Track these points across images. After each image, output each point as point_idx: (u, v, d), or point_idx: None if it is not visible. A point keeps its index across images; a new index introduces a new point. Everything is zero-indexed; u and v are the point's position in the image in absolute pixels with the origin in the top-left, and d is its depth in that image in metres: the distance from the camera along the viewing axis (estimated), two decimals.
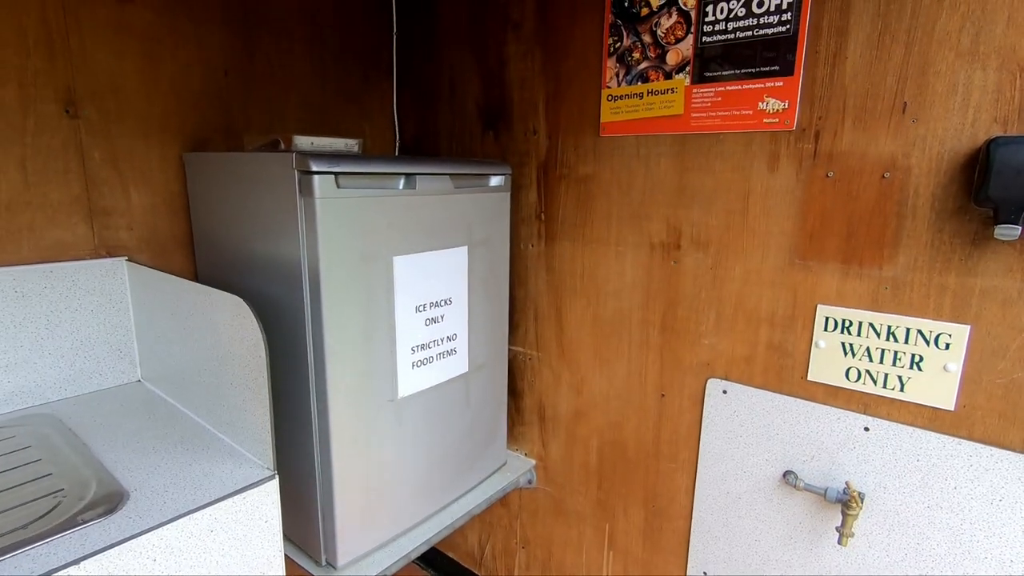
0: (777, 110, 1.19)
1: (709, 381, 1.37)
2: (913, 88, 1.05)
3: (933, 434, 1.10)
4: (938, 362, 1.08)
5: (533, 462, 1.77)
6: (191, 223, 1.45)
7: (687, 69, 1.30)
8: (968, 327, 1.04)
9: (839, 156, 1.14)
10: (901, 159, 1.07)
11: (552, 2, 1.50)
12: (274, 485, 1.00)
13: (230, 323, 1.05)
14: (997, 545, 1.05)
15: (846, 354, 1.17)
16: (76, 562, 0.78)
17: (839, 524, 1.16)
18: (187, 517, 0.89)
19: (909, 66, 1.05)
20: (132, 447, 1.09)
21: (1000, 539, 1.05)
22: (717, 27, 1.24)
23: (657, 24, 1.33)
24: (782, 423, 1.27)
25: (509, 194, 1.52)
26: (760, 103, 1.21)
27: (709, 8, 1.25)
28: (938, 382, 1.08)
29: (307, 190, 1.07)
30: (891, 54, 1.06)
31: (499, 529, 1.93)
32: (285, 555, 1.26)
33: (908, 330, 1.10)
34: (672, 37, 1.31)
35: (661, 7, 1.32)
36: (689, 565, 1.48)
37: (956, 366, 1.06)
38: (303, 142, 1.26)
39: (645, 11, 1.34)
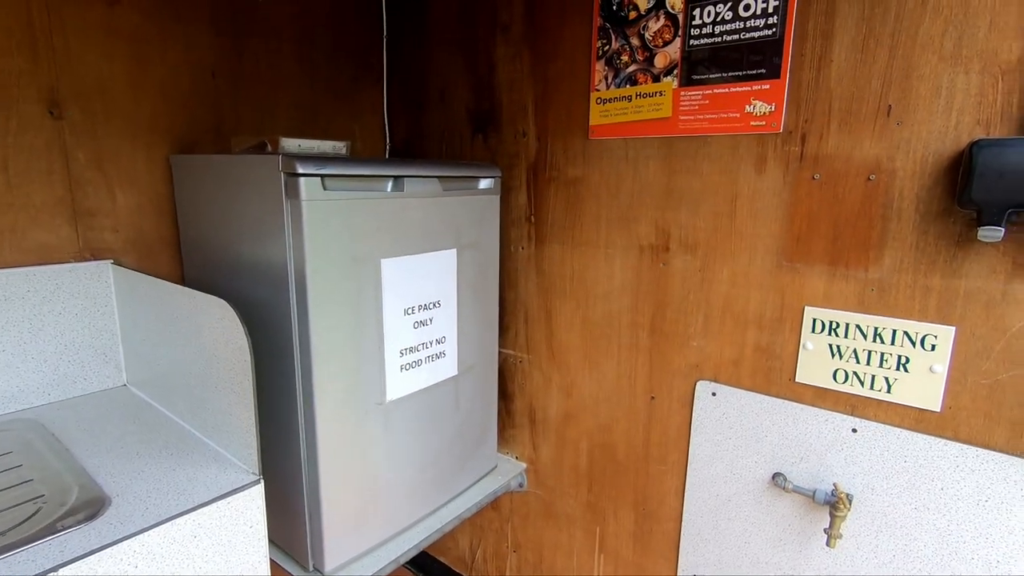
0: (764, 113, 1.20)
1: (698, 383, 1.37)
2: (897, 91, 1.06)
3: (920, 435, 1.10)
4: (924, 363, 1.08)
5: (524, 465, 1.76)
6: (178, 225, 1.44)
7: (675, 72, 1.30)
8: (953, 328, 1.05)
9: (825, 159, 1.15)
10: (886, 162, 1.08)
11: (541, 4, 1.51)
12: (259, 490, 0.99)
13: (215, 326, 1.04)
14: (983, 546, 1.06)
15: (833, 356, 1.18)
16: (54, 569, 0.76)
17: (827, 526, 1.16)
18: (170, 523, 0.88)
19: (893, 69, 1.05)
20: (115, 452, 1.07)
21: (986, 540, 1.05)
22: (704, 30, 1.25)
23: (645, 27, 1.33)
24: (771, 425, 1.27)
25: (499, 197, 1.52)
26: (747, 106, 1.22)
27: (696, 11, 1.25)
28: (924, 383, 1.09)
29: (293, 192, 1.06)
30: (875, 57, 1.07)
31: (490, 533, 1.92)
32: (271, 560, 1.25)
33: (894, 332, 1.10)
34: (660, 40, 1.32)
35: (649, 10, 1.32)
36: (679, 568, 1.48)
37: (942, 367, 1.07)
38: (290, 144, 1.25)
39: (633, 14, 1.35)
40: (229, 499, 0.95)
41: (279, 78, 1.62)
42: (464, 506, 1.56)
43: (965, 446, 1.06)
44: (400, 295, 1.26)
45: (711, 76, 1.25)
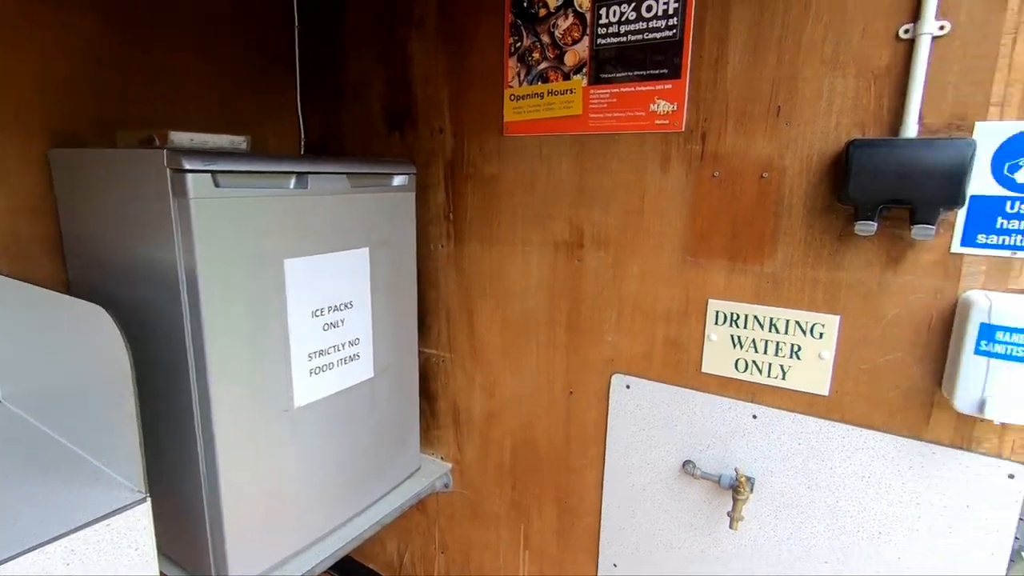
0: (667, 112, 1.23)
1: (613, 377, 1.40)
2: (785, 93, 1.11)
3: (811, 419, 1.17)
4: (814, 351, 1.15)
5: (449, 465, 1.75)
6: (60, 226, 1.32)
7: (584, 70, 1.32)
8: (838, 317, 1.11)
9: (723, 157, 1.19)
10: (777, 160, 1.13)
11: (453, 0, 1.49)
12: (145, 509, 0.92)
13: (93, 335, 0.96)
14: (868, 519, 1.13)
15: (735, 346, 1.23)
16: None
17: (731, 509, 1.21)
18: (37, 551, 0.81)
19: (781, 72, 1.11)
20: None
21: (870, 513, 1.13)
22: (611, 29, 1.27)
23: (555, 25, 1.34)
24: (680, 415, 1.32)
25: (414, 194, 1.49)
26: (652, 105, 1.25)
27: (603, 11, 1.27)
28: (814, 370, 1.15)
29: (180, 190, 1.00)
30: (766, 61, 1.12)
31: (417, 535, 1.89)
32: None
33: (787, 321, 1.16)
34: (569, 38, 1.33)
35: (558, 8, 1.33)
36: (599, 560, 1.50)
37: (829, 354, 1.13)
38: (181, 138, 1.18)
39: (543, 11, 1.35)
40: (109, 521, 0.88)
41: (177, 68, 1.52)
42: (385, 510, 1.53)
43: (850, 427, 1.13)
44: (307, 296, 1.21)
45: (618, 75, 1.28)
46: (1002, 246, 0.96)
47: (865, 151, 0.99)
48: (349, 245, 1.30)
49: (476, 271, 1.58)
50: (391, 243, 1.42)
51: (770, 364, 1.20)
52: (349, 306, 1.31)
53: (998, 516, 1.02)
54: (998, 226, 0.96)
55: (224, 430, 1.09)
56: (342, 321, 1.30)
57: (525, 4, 1.37)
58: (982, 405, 0.93)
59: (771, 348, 1.19)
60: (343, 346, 1.31)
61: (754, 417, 1.23)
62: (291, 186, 1.17)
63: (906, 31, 0.98)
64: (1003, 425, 0.99)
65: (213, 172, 1.02)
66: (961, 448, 1.04)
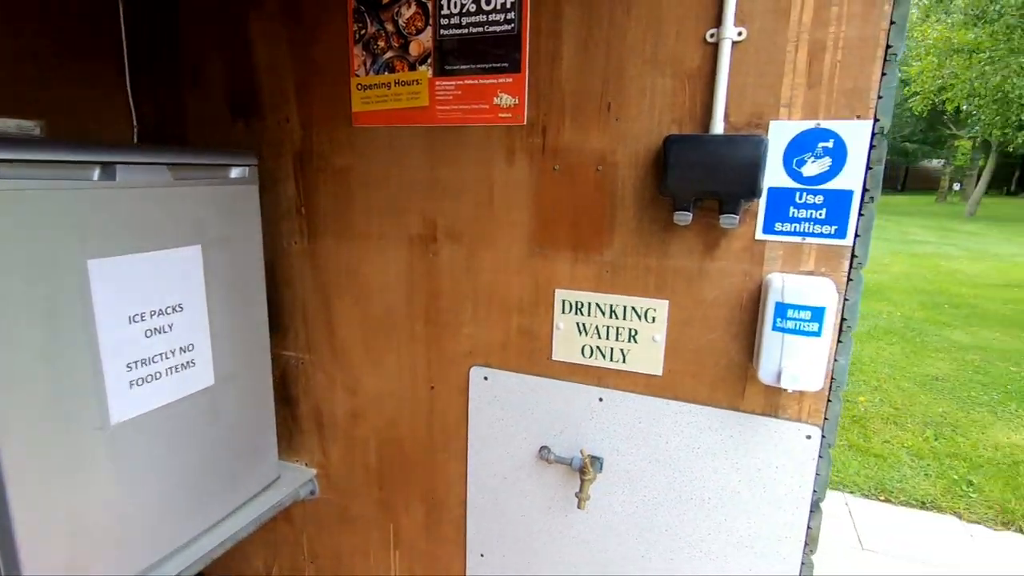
0: (509, 105, 1.25)
1: (472, 369, 1.40)
2: (614, 90, 1.16)
3: (649, 398, 1.24)
4: (648, 334, 1.22)
5: (314, 471, 1.67)
6: None
7: (429, 61, 1.30)
8: (667, 302, 1.19)
9: (563, 151, 1.23)
10: (609, 154, 1.19)
11: None
12: None
13: None
14: (698, 488, 1.23)
15: (581, 333, 1.28)
16: None
17: (578, 490, 1.26)
18: None
19: (610, 70, 1.16)
20: None
21: (700, 481, 1.23)
22: (452, 20, 1.26)
23: (398, 13, 1.31)
24: (535, 403, 1.35)
25: (257, 187, 1.40)
26: (495, 98, 1.26)
27: (444, 1, 1.26)
28: (649, 351, 1.23)
29: None
30: (596, 58, 1.16)
31: (285, 547, 1.79)
32: None
33: (625, 307, 1.23)
34: (413, 28, 1.30)
35: None
36: (468, 550, 1.51)
37: (660, 336, 1.21)
38: None
39: None
40: None
41: None
42: (240, 523, 1.43)
43: (681, 403, 1.21)
44: (121, 300, 1.09)
45: (462, 67, 1.27)
46: (794, 233, 1.07)
47: (679, 146, 1.07)
48: (174, 243, 1.19)
49: (332, 268, 1.52)
50: (231, 240, 1.33)
51: (612, 348, 1.26)
52: (178, 309, 1.21)
53: (800, 473, 1.14)
54: (791, 215, 1.07)
55: (15, 456, 0.96)
56: (169, 326, 1.19)
57: None
58: (779, 375, 1.03)
59: (612, 333, 1.25)
60: (172, 353, 1.20)
61: (600, 400, 1.29)
62: (95, 178, 1.05)
63: (711, 35, 1.06)
64: (800, 393, 1.11)
65: None
66: (770, 415, 1.15)
